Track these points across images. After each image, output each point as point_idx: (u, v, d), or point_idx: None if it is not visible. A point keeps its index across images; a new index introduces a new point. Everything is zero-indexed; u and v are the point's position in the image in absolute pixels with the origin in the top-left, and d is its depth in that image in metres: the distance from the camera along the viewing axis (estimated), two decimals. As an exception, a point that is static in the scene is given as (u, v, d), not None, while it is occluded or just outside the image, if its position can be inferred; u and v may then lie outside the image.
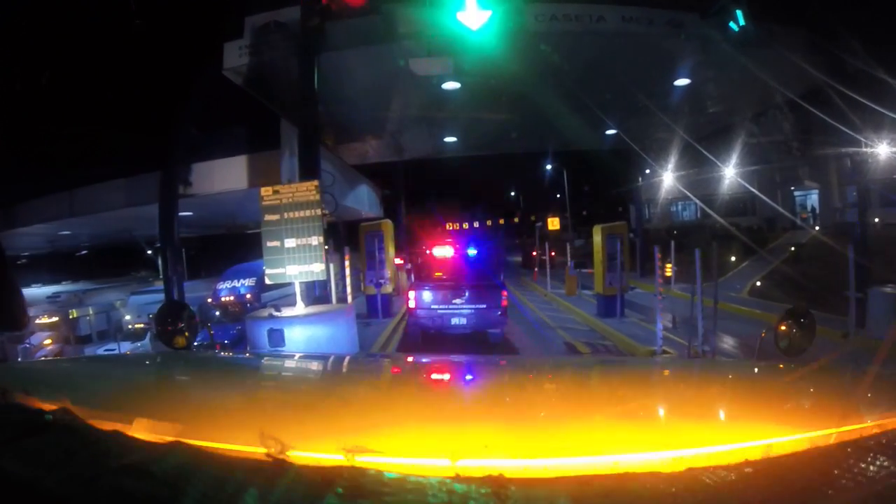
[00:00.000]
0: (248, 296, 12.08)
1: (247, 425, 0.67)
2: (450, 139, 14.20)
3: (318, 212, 6.38)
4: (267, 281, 6.77)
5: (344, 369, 1.60)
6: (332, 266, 7.07)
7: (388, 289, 10.58)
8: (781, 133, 16.48)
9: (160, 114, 8.82)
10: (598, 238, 9.81)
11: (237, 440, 0.64)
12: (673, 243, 13.05)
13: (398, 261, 13.95)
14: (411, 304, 8.03)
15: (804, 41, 7.87)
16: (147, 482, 0.52)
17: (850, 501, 0.52)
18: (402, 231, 19.45)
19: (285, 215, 6.45)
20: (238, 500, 0.50)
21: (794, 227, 20.03)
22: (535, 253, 21.40)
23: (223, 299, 12.06)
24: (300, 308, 6.41)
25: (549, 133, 13.65)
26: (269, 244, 6.48)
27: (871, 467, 0.58)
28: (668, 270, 12.93)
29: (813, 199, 22.93)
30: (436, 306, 7.94)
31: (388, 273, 10.62)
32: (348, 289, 9.22)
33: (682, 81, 9.41)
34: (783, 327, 1.72)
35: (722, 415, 0.98)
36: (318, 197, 6.42)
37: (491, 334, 8.15)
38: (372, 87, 9.28)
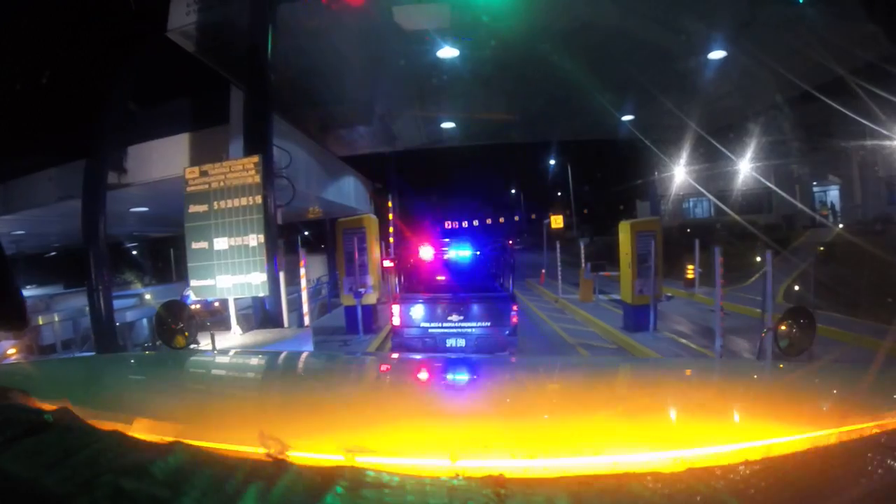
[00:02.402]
0: (217, 303, 11.05)
1: (247, 425, 0.68)
2: (447, 125, 12.88)
3: (258, 199, 4.80)
4: (191, 296, 5.31)
5: (344, 369, 1.60)
6: (285, 273, 5.92)
7: (372, 298, 8.93)
8: (802, 125, 15.67)
9: (89, 87, 7.25)
10: (625, 236, 8.24)
11: (237, 440, 0.64)
12: (697, 242, 12.03)
13: (388, 263, 12.69)
14: (396, 320, 6.59)
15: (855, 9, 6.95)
16: (147, 482, 0.52)
17: (850, 501, 0.52)
18: (396, 229, 18.27)
19: (215, 205, 4.89)
20: (238, 500, 0.50)
21: (815, 225, 18.96)
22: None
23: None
24: (234, 336, 5.04)
25: (559, 119, 12.48)
26: (195, 246, 4.94)
27: (871, 467, 0.58)
28: (690, 272, 12.07)
29: (832, 195, 21.73)
30: (427, 324, 6.49)
31: (372, 279, 8.91)
32: (304, 306, 7.44)
33: (715, 55, 8.40)
34: (783, 327, 1.72)
35: (722, 415, 0.98)
36: (258, 179, 4.83)
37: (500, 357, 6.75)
38: (351, 51, 7.86)
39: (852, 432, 0.69)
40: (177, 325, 1.92)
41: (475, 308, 6.49)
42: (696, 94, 10.15)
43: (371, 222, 9.36)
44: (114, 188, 7.50)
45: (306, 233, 19.77)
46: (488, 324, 6.43)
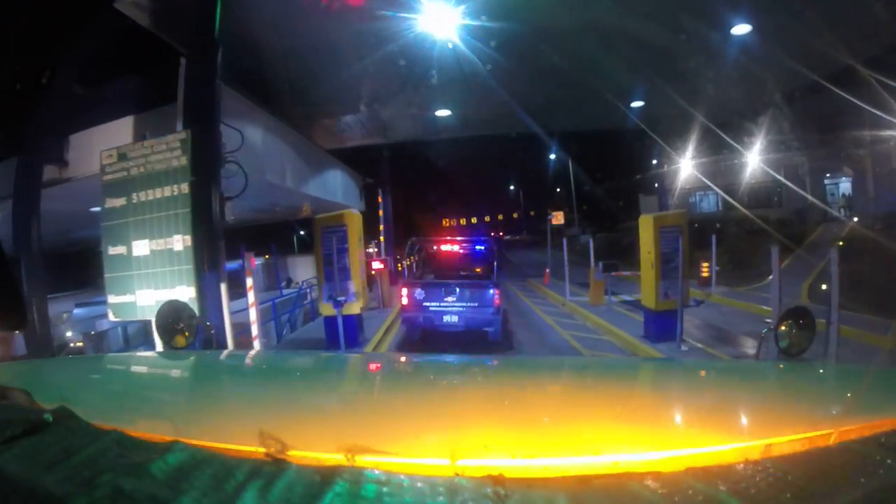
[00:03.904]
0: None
1: (247, 425, 0.68)
2: (442, 113, 11.98)
3: (185, 188, 3.85)
4: (111, 317, 4.30)
5: (344, 369, 1.60)
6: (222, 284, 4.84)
7: (355, 307, 7.66)
8: (813, 116, 15.08)
9: (25, 69, 6.14)
10: (647, 233, 7.26)
11: (237, 440, 0.64)
12: (714, 238, 11.32)
13: (377, 265, 11.81)
14: (404, 300, 8.17)
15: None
16: (147, 482, 0.52)
17: (850, 501, 0.52)
18: (389, 227, 17.50)
19: (134, 197, 3.94)
20: (238, 500, 0.50)
21: (827, 220, 18.16)
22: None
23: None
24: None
25: (563, 107, 11.71)
26: (112, 251, 4.00)
27: (871, 467, 0.58)
28: (706, 270, 11.32)
29: (843, 188, 20.88)
30: (427, 303, 8.00)
31: (355, 284, 7.62)
32: (253, 328, 5.88)
33: (740, 29, 7.64)
34: (783, 327, 1.73)
35: (722, 415, 0.98)
36: (185, 161, 3.88)
37: (487, 333, 8.16)
38: (330, 23, 7.06)
39: (852, 432, 0.69)
40: (177, 325, 1.92)
41: (465, 291, 7.98)
42: (707, 81, 9.62)
43: (353, 219, 7.90)
44: (52, 184, 6.47)
45: (302, 232, 19.49)
46: (476, 304, 7.88)
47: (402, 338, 8.96)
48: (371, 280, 11.44)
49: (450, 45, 7.59)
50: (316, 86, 9.37)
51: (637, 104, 11.60)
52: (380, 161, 17.09)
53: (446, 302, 8.00)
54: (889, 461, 0.59)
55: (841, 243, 13.32)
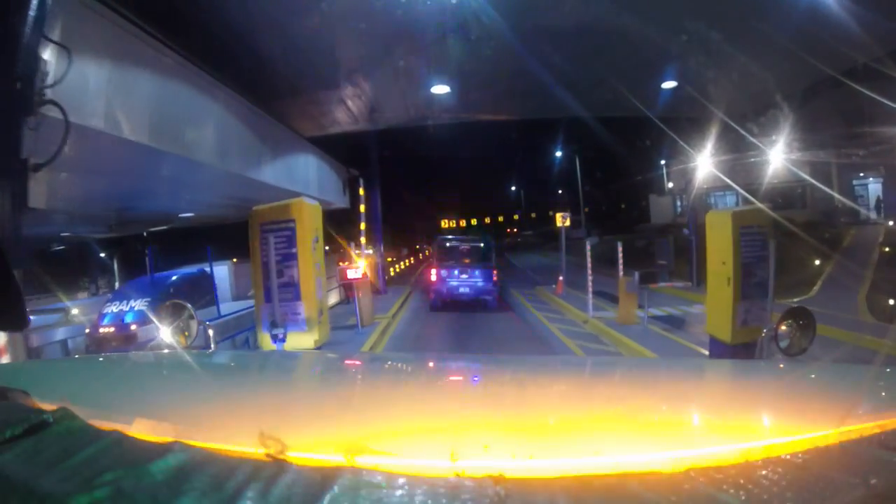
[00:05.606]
0: (134, 326, 7.88)
1: (247, 425, 0.68)
2: (438, 90, 10.42)
3: None
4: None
5: (344, 369, 1.60)
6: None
7: (307, 340, 4.80)
8: (842, 111, 14.23)
9: None
10: (722, 234, 5.25)
11: (237, 440, 0.64)
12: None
13: (354, 273, 9.56)
14: (433, 278, 12.46)
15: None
16: (147, 482, 0.52)
17: (850, 501, 0.52)
18: (377, 227, 16.05)
19: None
20: (238, 500, 0.50)
21: (858, 222, 17.11)
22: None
23: (102, 330, 7.96)
24: None
25: (576, 86, 10.17)
26: None
27: (871, 467, 0.58)
28: None
29: (872, 189, 19.83)
30: (449, 280, 12.29)
31: (307, 307, 4.81)
32: None
33: None
34: (784, 327, 1.73)
35: (722, 415, 0.98)
36: None
37: (487, 301, 12.38)
38: None
39: (852, 432, 0.69)
40: (177, 324, 1.92)
41: (474, 272, 12.34)
42: (739, 63, 8.60)
43: (306, 211, 4.94)
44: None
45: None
46: (481, 280, 12.30)
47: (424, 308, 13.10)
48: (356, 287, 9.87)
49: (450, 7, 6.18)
50: (279, 47, 7.56)
51: (666, 85, 10.42)
52: (366, 149, 15.11)
53: (461, 279, 12.22)
54: (889, 461, 0.59)
55: (886, 249, 12.38)
